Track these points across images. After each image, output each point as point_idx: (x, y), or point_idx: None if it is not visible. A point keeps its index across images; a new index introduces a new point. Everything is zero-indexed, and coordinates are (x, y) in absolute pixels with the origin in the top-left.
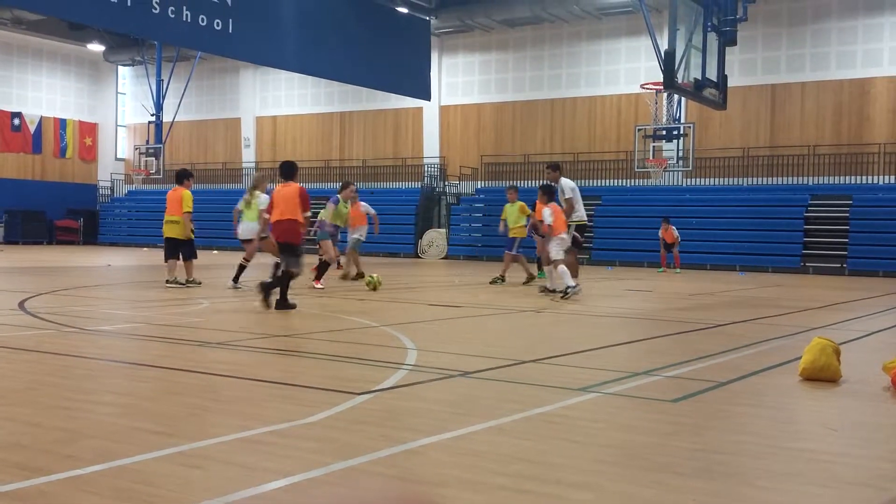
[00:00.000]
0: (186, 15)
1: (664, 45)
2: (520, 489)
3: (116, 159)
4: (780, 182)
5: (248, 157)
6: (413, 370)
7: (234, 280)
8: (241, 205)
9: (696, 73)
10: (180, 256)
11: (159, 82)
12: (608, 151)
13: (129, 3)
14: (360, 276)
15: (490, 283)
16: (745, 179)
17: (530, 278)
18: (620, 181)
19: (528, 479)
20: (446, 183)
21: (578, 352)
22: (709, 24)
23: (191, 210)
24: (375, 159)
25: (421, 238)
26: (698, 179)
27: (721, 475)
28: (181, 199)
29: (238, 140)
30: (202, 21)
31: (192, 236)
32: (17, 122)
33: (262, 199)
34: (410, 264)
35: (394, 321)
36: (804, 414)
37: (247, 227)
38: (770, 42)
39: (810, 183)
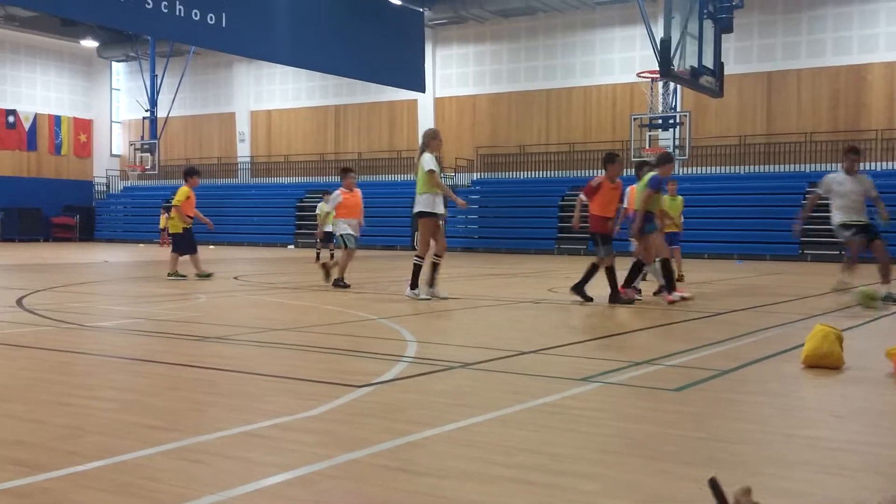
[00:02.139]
0: (180, 10)
1: (659, 34)
2: (525, 480)
3: (112, 155)
4: (777, 170)
5: (244, 151)
6: (413, 362)
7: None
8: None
9: (692, 61)
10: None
11: (153, 78)
12: (604, 141)
13: None
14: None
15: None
16: (741, 168)
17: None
18: None
19: (533, 469)
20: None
21: (579, 342)
22: (705, 11)
23: (179, 203)
24: (371, 152)
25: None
26: (695, 168)
27: (727, 464)
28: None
29: (233, 135)
30: (195, 16)
31: (181, 231)
32: (11, 119)
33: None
34: (407, 257)
35: (392, 314)
36: (809, 401)
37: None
38: (766, 29)
39: (808, 170)
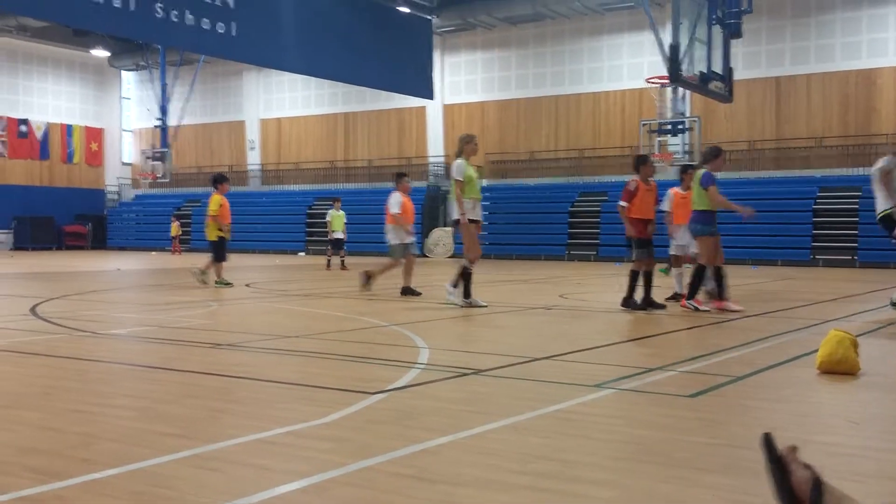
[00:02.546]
0: (189, 18)
1: (667, 40)
2: (540, 488)
3: (123, 164)
4: (787, 175)
5: (254, 159)
6: (426, 369)
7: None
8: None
9: (701, 67)
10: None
11: (164, 86)
12: (613, 147)
13: (132, 8)
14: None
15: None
16: (752, 173)
17: None
18: (626, 176)
19: (548, 477)
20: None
21: (591, 348)
22: (713, 16)
23: (215, 213)
24: (380, 159)
25: (427, 237)
26: None
27: (743, 470)
28: (209, 203)
29: (243, 143)
30: (205, 24)
31: (216, 238)
32: (23, 128)
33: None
34: (418, 263)
35: (404, 320)
36: (824, 407)
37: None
38: (774, 34)
39: (818, 175)
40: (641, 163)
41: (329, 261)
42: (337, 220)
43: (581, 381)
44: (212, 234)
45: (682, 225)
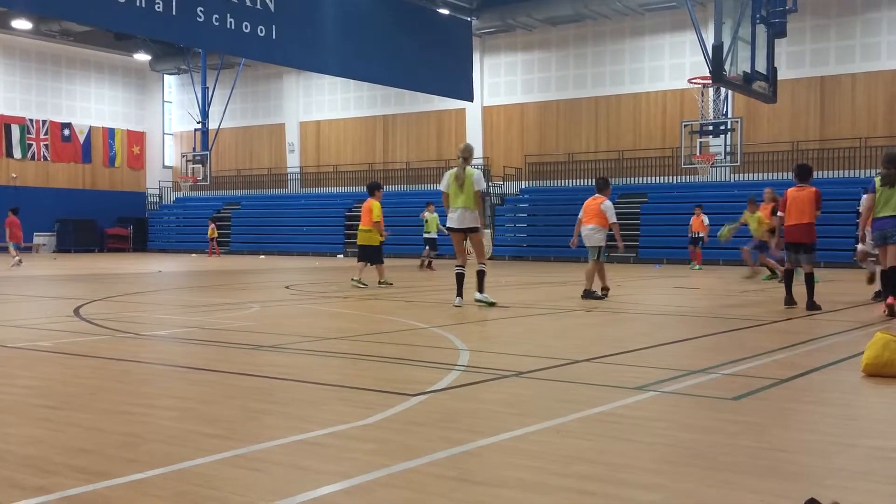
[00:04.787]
0: (230, 22)
1: (710, 40)
2: (584, 490)
3: (164, 167)
4: (831, 176)
5: (293, 162)
6: (466, 371)
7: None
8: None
9: (744, 67)
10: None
11: (204, 90)
12: (654, 148)
13: (174, 13)
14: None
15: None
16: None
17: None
18: (667, 178)
19: (591, 479)
20: (490, 183)
21: (631, 350)
22: (757, 15)
23: (379, 219)
24: (419, 161)
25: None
26: (746, 175)
27: (789, 475)
28: (370, 209)
29: (283, 145)
30: (246, 28)
31: (378, 244)
32: (66, 132)
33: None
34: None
35: (443, 322)
36: (870, 411)
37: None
38: (818, 33)
39: (862, 176)
40: (809, 175)
41: (428, 260)
42: (432, 221)
43: (623, 384)
44: (374, 239)
45: None
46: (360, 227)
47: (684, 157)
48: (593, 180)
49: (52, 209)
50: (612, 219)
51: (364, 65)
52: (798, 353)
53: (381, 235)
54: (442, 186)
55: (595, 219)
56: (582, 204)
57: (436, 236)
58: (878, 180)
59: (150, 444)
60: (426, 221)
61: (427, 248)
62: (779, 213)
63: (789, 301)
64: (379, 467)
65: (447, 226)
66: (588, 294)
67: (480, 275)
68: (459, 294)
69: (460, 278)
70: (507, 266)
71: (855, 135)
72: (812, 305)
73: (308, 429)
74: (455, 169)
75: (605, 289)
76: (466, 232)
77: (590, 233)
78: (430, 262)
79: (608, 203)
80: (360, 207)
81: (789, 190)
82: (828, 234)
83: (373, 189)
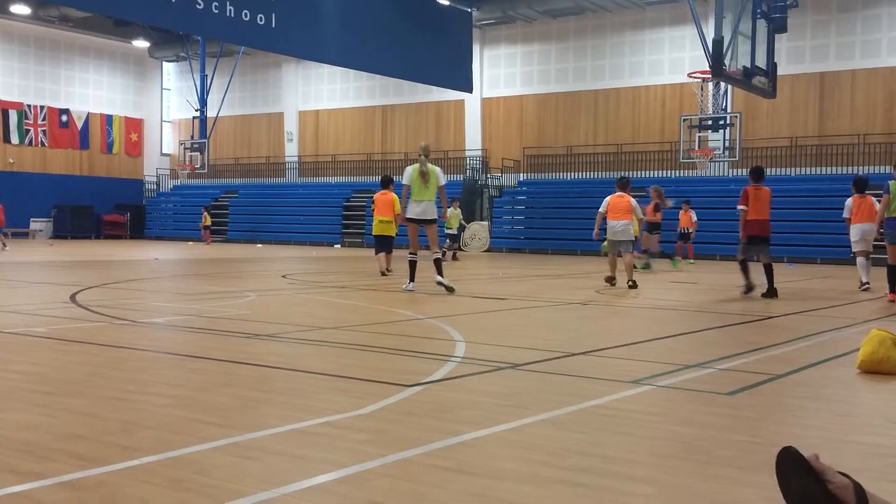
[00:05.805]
0: (230, 10)
1: (710, 34)
2: (578, 483)
3: (162, 154)
4: (829, 172)
5: (291, 151)
6: (462, 362)
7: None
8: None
9: (744, 61)
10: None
11: (203, 78)
12: (652, 142)
13: (173, 0)
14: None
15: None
16: (793, 169)
17: None
18: (665, 172)
19: (586, 472)
20: (488, 175)
21: (628, 344)
22: (758, 10)
23: (400, 211)
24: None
25: (463, 231)
26: (745, 170)
27: None
28: (391, 202)
29: (281, 134)
30: (245, 16)
31: (394, 233)
32: (64, 118)
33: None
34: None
35: (440, 314)
36: (865, 407)
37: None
38: (819, 29)
39: (860, 173)
40: (865, 186)
41: (452, 252)
42: (454, 217)
43: (618, 377)
44: (393, 230)
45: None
46: (380, 218)
47: (683, 152)
48: (592, 173)
49: (50, 195)
50: (640, 215)
51: (364, 54)
52: (794, 348)
53: (397, 225)
54: (405, 180)
55: (627, 215)
56: (585, 197)
57: (457, 232)
58: (892, 184)
59: (146, 431)
60: (449, 218)
61: (448, 241)
62: (740, 207)
63: (749, 288)
64: (374, 457)
65: (407, 216)
66: (634, 284)
67: (438, 262)
68: (412, 279)
69: (413, 265)
70: (505, 258)
71: (854, 131)
72: (772, 293)
73: (303, 418)
74: (417, 164)
75: (611, 279)
76: (424, 223)
77: (625, 227)
78: (454, 254)
79: (635, 201)
80: (358, 198)
81: (749, 188)
82: (825, 230)
83: (387, 182)
